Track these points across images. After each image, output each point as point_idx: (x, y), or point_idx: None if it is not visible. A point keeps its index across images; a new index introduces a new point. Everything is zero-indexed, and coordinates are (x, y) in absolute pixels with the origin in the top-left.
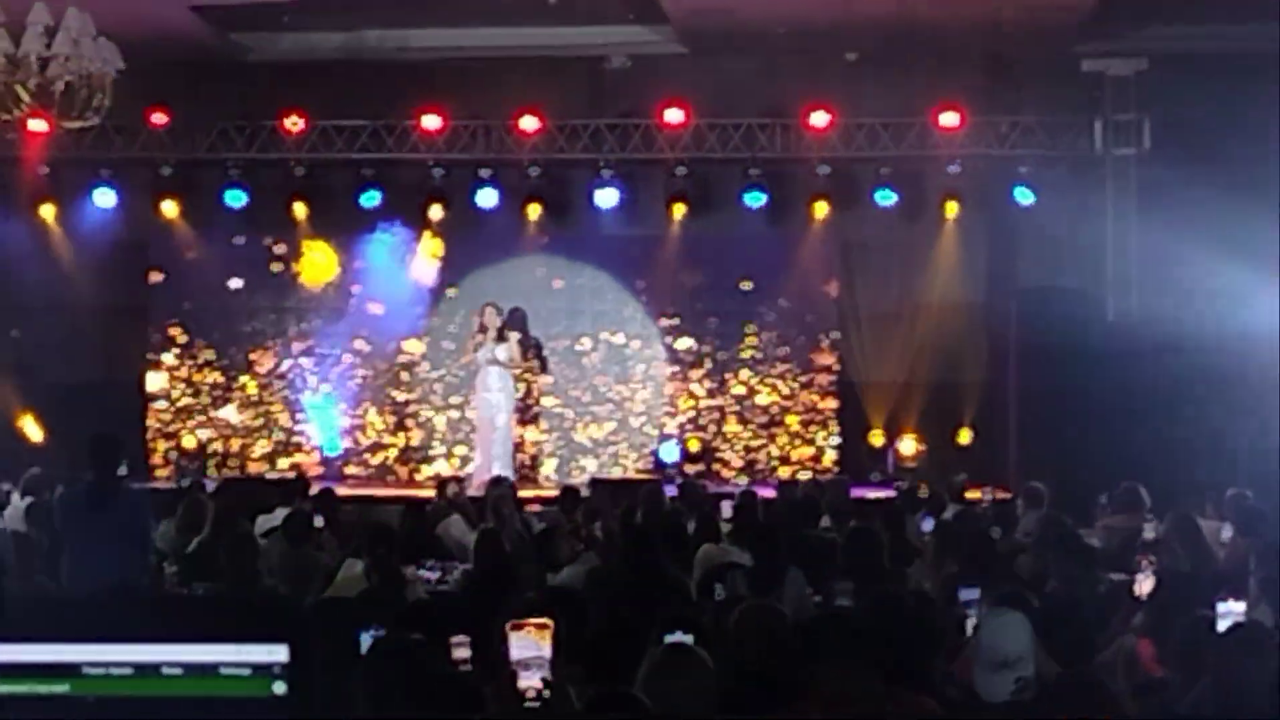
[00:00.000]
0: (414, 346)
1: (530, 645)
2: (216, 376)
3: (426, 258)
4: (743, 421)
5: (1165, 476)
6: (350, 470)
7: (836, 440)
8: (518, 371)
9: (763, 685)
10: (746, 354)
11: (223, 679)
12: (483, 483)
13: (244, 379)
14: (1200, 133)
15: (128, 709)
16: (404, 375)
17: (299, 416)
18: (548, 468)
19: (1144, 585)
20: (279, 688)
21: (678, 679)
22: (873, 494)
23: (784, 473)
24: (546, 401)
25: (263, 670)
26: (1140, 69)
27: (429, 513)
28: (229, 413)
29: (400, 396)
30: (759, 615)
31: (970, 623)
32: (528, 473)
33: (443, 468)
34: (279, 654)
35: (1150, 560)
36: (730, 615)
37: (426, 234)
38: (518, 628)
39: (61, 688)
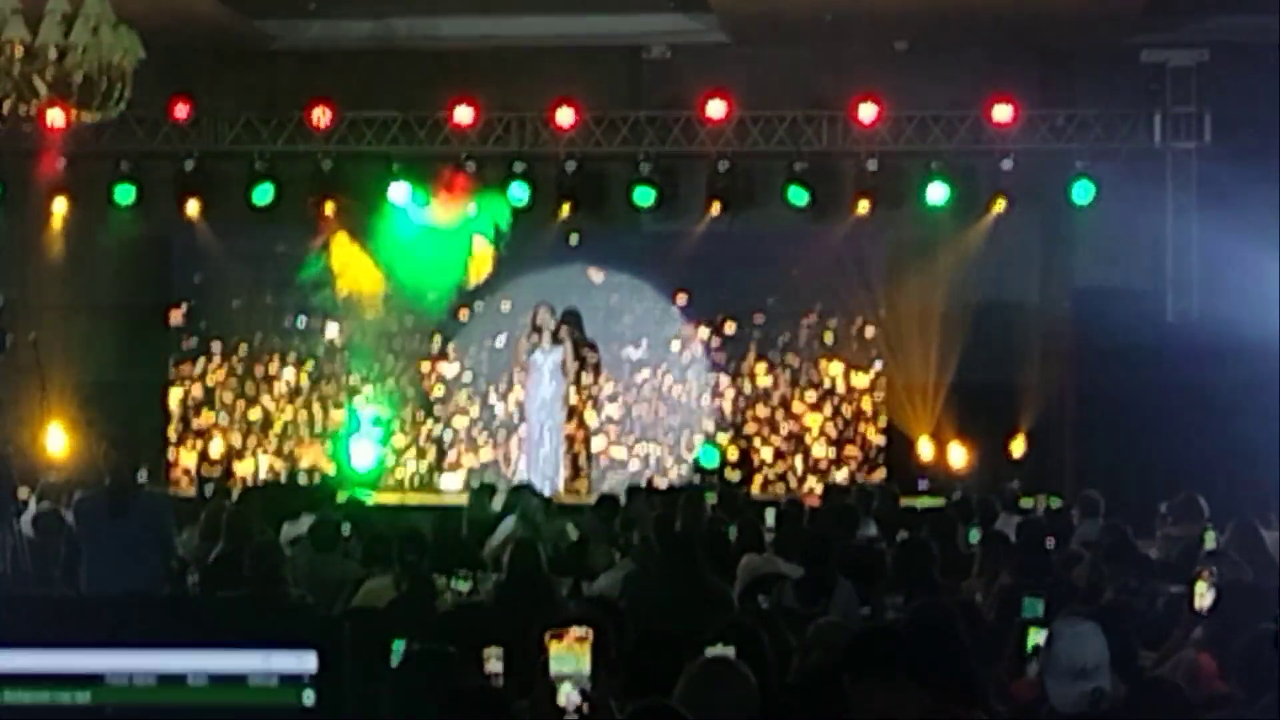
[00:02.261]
0: (445, 349)
1: (569, 657)
2: (242, 379)
3: (460, 255)
4: (786, 426)
5: (1226, 484)
6: (378, 477)
7: (883, 446)
8: (569, 378)
9: (809, 700)
10: (790, 357)
11: (250, 689)
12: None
13: (271, 382)
14: (1263, 126)
15: (152, 719)
16: (435, 375)
17: (328, 420)
18: (588, 473)
19: (1204, 599)
20: (308, 698)
21: (719, 693)
22: (922, 502)
23: (829, 480)
24: (583, 405)
25: (292, 680)
26: (1202, 60)
27: (471, 521)
28: (255, 417)
29: (432, 397)
30: (832, 633)
31: (1040, 637)
32: (572, 478)
33: (471, 473)
34: (308, 662)
35: (1211, 572)
36: (776, 627)
37: (459, 231)
38: (557, 638)
39: (84, 697)
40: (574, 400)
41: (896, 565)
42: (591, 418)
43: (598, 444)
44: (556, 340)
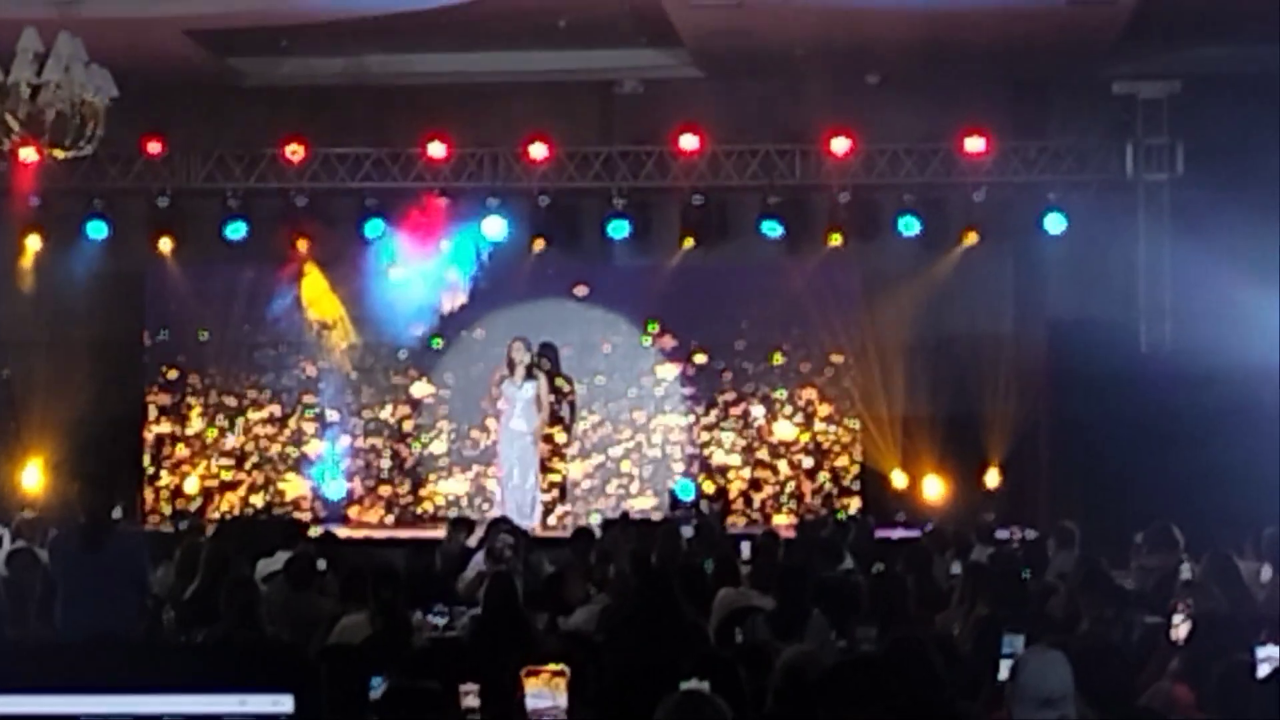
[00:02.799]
0: (419, 382)
1: (546, 694)
2: (216, 415)
3: (434, 289)
4: (761, 459)
5: (1202, 514)
6: (352, 511)
7: (858, 478)
8: (544, 413)
9: None
10: (764, 389)
11: None
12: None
13: (245, 416)
14: (1235, 157)
15: None
16: (406, 411)
17: (300, 456)
18: (560, 509)
19: (1180, 630)
20: None
21: None
22: (897, 534)
23: (805, 512)
24: (560, 439)
25: None
26: (1173, 91)
27: (444, 556)
28: (229, 452)
29: (406, 430)
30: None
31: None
32: (547, 512)
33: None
34: (284, 704)
35: (1186, 605)
36: (752, 660)
37: (433, 265)
38: (532, 674)
39: None
40: (550, 434)
41: (872, 597)
42: (568, 452)
43: (574, 477)
44: (531, 375)
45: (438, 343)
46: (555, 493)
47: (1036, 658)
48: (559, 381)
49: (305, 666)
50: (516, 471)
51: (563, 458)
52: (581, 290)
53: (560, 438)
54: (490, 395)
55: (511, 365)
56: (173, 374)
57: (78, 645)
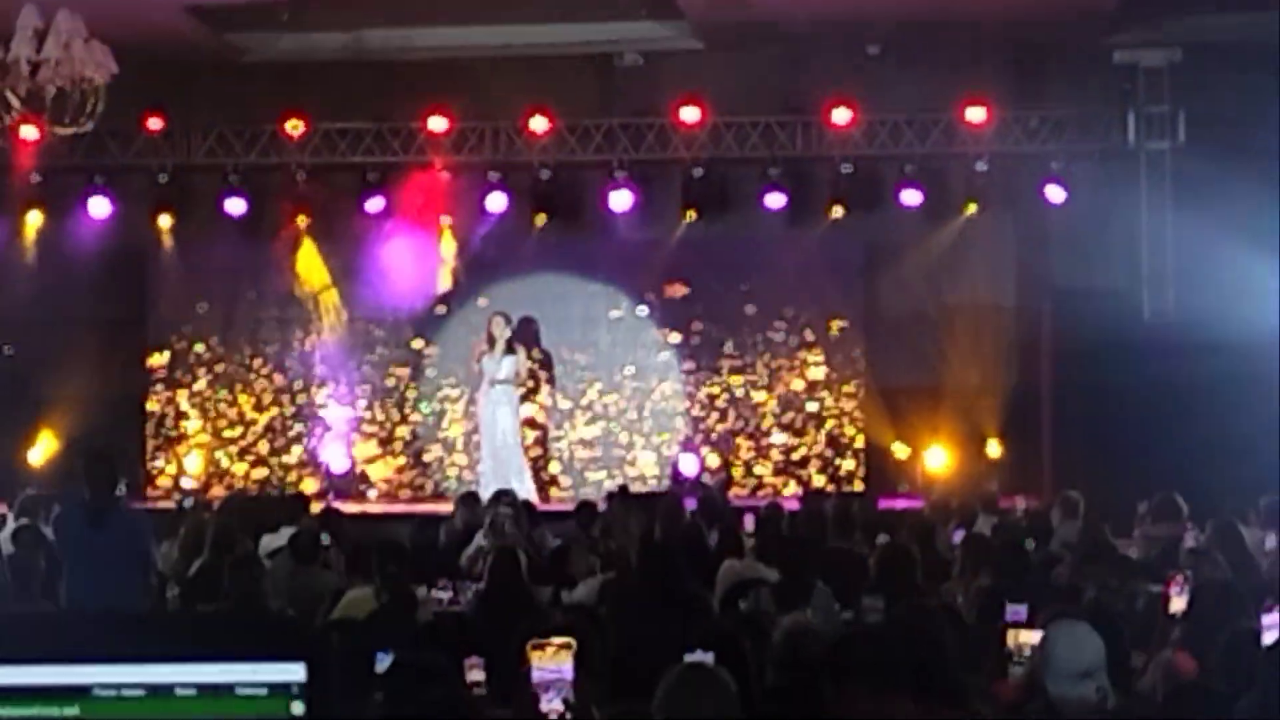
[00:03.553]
0: (420, 355)
1: (552, 666)
2: (218, 391)
3: (434, 264)
4: (764, 431)
5: (1206, 482)
6: (356, 486)
7: (862, 449)
8: (521, 387)
9: (788, 705)
10: (767, 361)
11: (238, 699)
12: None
13: (247, 393)
14: (1236, 125)
15: None
16: (409, 385)
17: (303, 431)
18: (564, 481)
19: (1177, 603)
20: (297, 708)
21: (698, 699)
22: (900, 505)
23: (808, 484)
24: (559, 414)
25: (280, 690)
26: (1174, 60)
27: (449, 532)
28: (232, 427)
29: (407, 406)
30: (796, 631)
31: (1027, 640)
32: (543, 487)
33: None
34: (296, 673)
35: (1185, 577)
36: (757, 632)
37: (433, 239)
38: (539, 648)
39: (71, 710)
40: (532, 410)
41: (876, 569)
42: (553, 424)
43: (572, 449)
44: (510, 349)
45: (437, 319)
46: (541, 468)
47: (1067, 632)
48: (536, 355)
49: (317, 636)
50: (497, 446)
51: (546, 431)
52: (582, 262)
53: (540, 415)
54: (472, 371)
55: (491, 340)
56: (175, 350)
57: (88, 615)
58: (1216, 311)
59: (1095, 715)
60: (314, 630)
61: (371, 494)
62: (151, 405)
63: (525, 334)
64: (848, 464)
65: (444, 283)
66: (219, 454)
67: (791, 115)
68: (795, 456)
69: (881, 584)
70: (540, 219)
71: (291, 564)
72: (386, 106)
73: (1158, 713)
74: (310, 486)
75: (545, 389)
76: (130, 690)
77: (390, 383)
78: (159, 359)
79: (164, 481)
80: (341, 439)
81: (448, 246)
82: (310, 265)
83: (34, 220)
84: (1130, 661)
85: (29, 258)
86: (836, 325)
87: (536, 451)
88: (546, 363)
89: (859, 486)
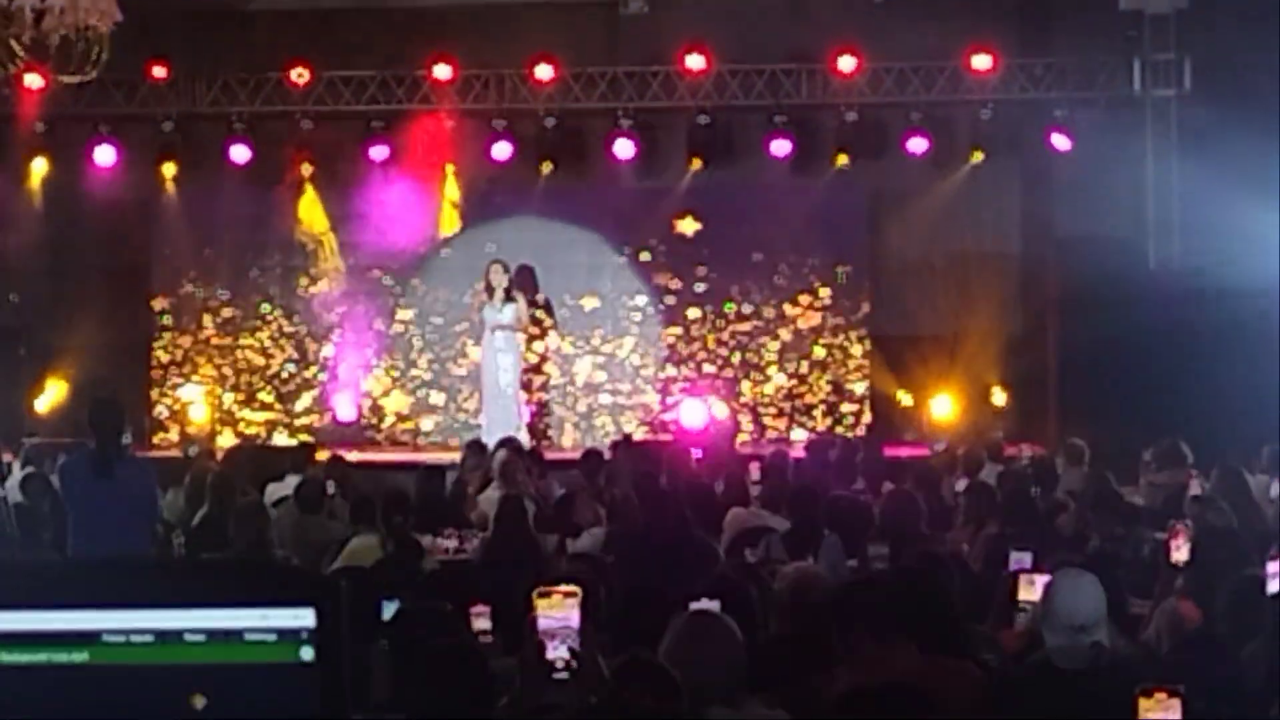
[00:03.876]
0: (425, 301)
1: (557, 614)
2: (224, 339)
3: (439, 211)
4: (769, 379)
5: (1211, 430)
6: (362, 433)
7: (866, 397)
8: (523, 335)
9: (794, 653)
10: (772, 309)
11: (248, 645)
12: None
13: (253, 340)
14: (1242, 72)
15: (150, 676)
16: (413, 331)
17: (308, 379)
18: (567, 430)
19: (1179, 552)
20: (306, 653)
21: (705, 646)
22: (905, 453)
23: (814, 432)
24: (562, 361)
25: (290, 635)
26: (1180, 6)
27: (457, 482)
28: (237, 376)
29: (413, 353)
30: (802, 580)
31: (1032, 590)
32: (544, 436)
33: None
34: (305, 618)
35: (1186, 525)
36: (763, 580)
37: (438, 187)
38: (545, 595)
39: (81, 656)
40: (536, 356)
41: (881, 517)
42: (560, 372)
43: (584, 398)
44: (509, 297)
45: (445, 259)
46: (541, 415)
47: (1069, 582)
48: (539, 300)
49: (326, 582)
50: (498, 394)
51: (549, 378)
52: (587, 209)
53: (544, 361)
54: (474, 319)
55: (490, 289)
56: (181, 298)
57: (98, 561)
58: (1222, 259)
59: (1086, 667)
60: (324, 576)
61: (378, 439)
62: (157, 354)
63: (524, 281)
64: (852, 412)
65: (449, 229)
66: (225, 401)
67: (797, 63)
68: (800, 405)
69: (886, 532)
70: (546, 167)
71: (297, 513)
72: (391, 54)
73: (1160, 663)
74: (316, 435)
75: (550, 334)
76: (139, 636)
77: (396, 329)
78: (164, 306)
79: (170, 430)
80: (348, 386)
81: (452, 194)
82: (312, 212)
83: (39, 169)
84: (1129, 609)
85: (34, 206)
86: (842, 273)
87: (541, 397)
88: (548, 309)
89: (864, 434)
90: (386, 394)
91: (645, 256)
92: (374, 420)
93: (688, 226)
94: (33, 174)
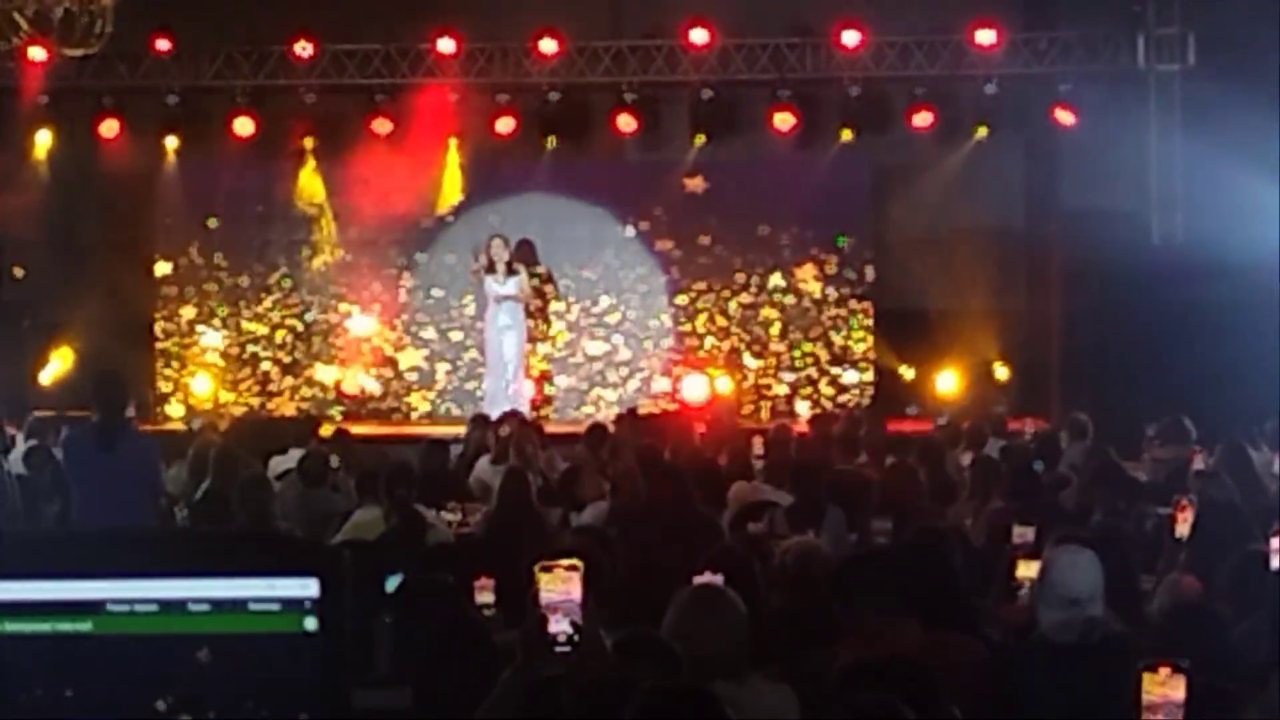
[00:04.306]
0: (429, 274)
1: (560, 588)
2: (228, 312)
3: (443, 185)
4: (772, 352)
5: (1214, 405)
6: (366, 406)
7: (870, 372)
8: (527, 305)
9: (799, 628)
10: (775, 283)
11: (252, 615)
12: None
13: (257, 313)
14: (1246, 47)
15: (154, 646)
16: (417, 304)
17: (313, 351)
18: (569, 403)
19: (1183, 527)
20: (310, 623)
21: (708, 620)
22: (909, 428)
23: (817, 406)
24: (565, 334)
25: (293, 605)
26: None
27: (461, 455)
28: (241, 349)
29: (415, 326)
30: (804, 552)
31: (1033, 565)
32: (546, 409)
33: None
34: (310, 588)
35: (1190, 501)
36: (766, 554)
37: (441, 160)
38: (547, 570)
39: (85, 625)
40: (540, 328)
41: (882, 491)
42: (560, 347)
43: (587, 370)
44: (512, 270)
45: (449, 233)
46: (548, 390)
47: (1066, 556)
48: (539, 271)
49: (330, 552)
50: (501, 368)
51: (551, 350)
52: (590, 183)
53: (547, 333)
54: (474, 293)
55: (491, 263)
56: (185, 271)
57: (102, 531)
58: (1225, 235)
59: (1079, 640)
60: (328, 546)
61: (378, 411)
62: (160, 327)
63: (524, 255)
64: (855, 386)
65: (452, 203)
66: (228, 374)
67: (800, 37)
68: (804, 379)
69: (888, 506)
70: (550, 141)
71: (300, 486)
72: (395, 28)
73: (1159, 637)
74: (320, 407)
75: (552, 305)
76: (143, 605)
77: (400, 300)
78: (168, 280)
79: (174, 403)
80: (352, 359)
81: (456, 167)
82: (312, 183)
83: (43, 142)
84: (1138, 585)
85: (38, 180)
86: (845, 248)
87: (545, 369)
88: (550, 280)
89: (867, 408)
90: (392, 367)
91: (645, 225)
92: (375, 392)
93: (696, 185)
94: (37, 147)
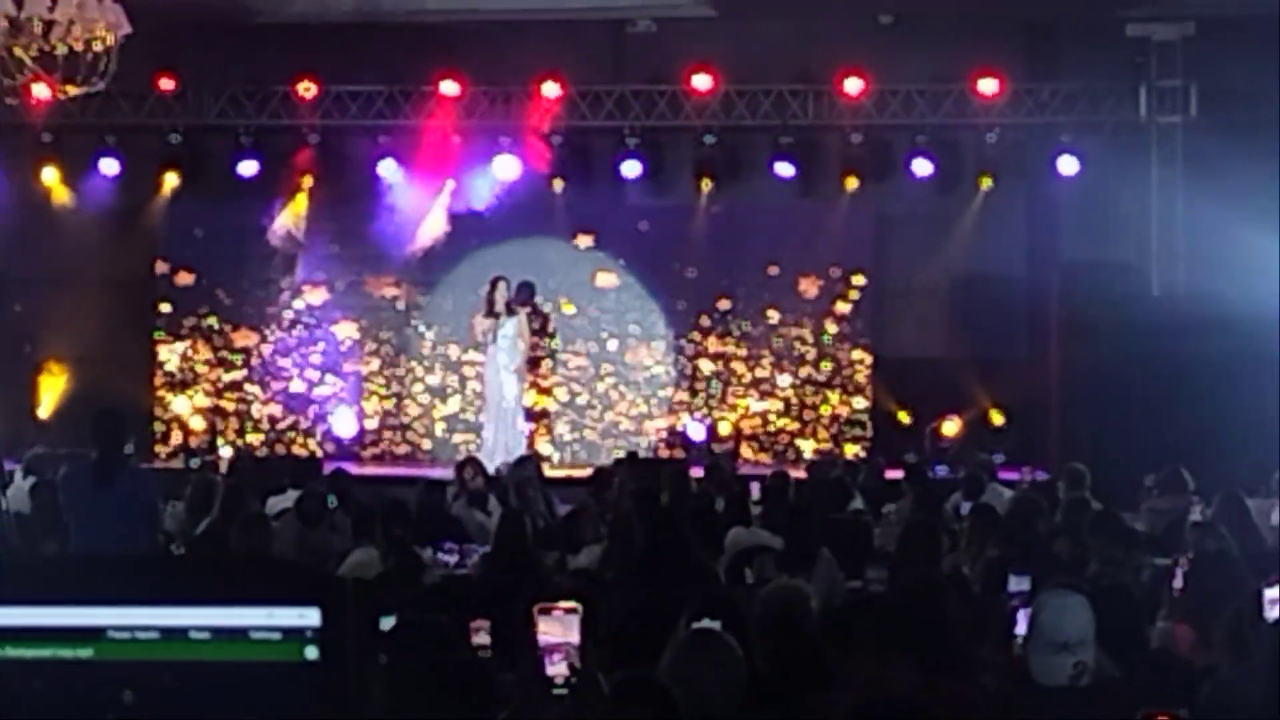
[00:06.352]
0: (427, 316)
1: (558, 630)
2: (227, 353)
3: (444, 226)
4: (773, 399)
5: (1213, 457)
6: (362, 450)
7: (869, 419)
8: (525, 349)
9: (793, 673)
10: (775, 329)
11: (252, 643)
12: (505, 464)
13: (257, 352)
14: (1248, 100)
15: (154, 673)
16: (418, 351)
17: (310, 394)
18: (571, 446)
19: (1178, 580)
20: (311, 652)
21: (704, 666)
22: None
23: (815, 453)
24: (566, 375)
25: (294, 634)
26: (1187, 34)
27: (451, 495)
28: (240, 388)
29: (416, 368)
30: (782, 595)
31: (1024, 613)
32: (545, 452)
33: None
34: (311, 618)
35: (1188, 559)
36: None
37: (444, 202)
38: (546, 612)
39: (86, 652)
40: (537, 372)
41: (883, 538)
42: (560, 391)
43: (586, 416)
44: (511, 312)
45: (448, 274)
46: (543, 432)
47: (1055, 601)
48: (536, 316)
49: (332, 581)
50: (499, 411)
51: (550, 393)
52: (592, 227)
53: (545, 376)
54: (472, 335)
55: (491, 304)
56: (184, 310)
57: (103, 558)
58: (1226, 286)
59: (1066, 685)
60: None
61: (379, 453)
62: (160, 364)
63: (523, 297)
64: (854, 433)
65: (451, 247)
66: (228, 414)
67: (803, 84)
68: (803, 425)
69: (885, 553)
70: (558, 184)
71: (298, 526)
72: (399, 70)
73: (1143, 683)
74: (318, 448)
75: (547, 344)
76: (144, 633)
77: (398, 342)
78: (168, 318)
79: (172, 440)
80: (349, 401)
81: (458, 209)
82: (295, 216)
83: (45, 178)
84: (1145, 631)
85: (39, 216)
86: (846, 294)
87: (545, 403)
88: (545, 324)
89: (866, 455)
90: (390, 409)
91: (654, 278)
92: (374, 435)
93: (687, 256)
94: (39, 184)
